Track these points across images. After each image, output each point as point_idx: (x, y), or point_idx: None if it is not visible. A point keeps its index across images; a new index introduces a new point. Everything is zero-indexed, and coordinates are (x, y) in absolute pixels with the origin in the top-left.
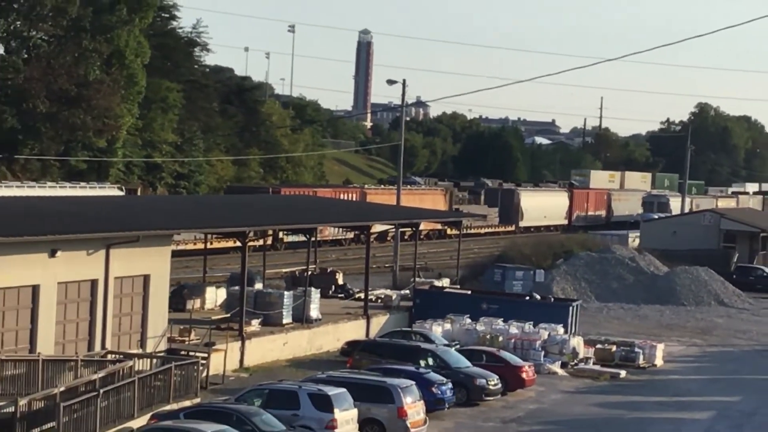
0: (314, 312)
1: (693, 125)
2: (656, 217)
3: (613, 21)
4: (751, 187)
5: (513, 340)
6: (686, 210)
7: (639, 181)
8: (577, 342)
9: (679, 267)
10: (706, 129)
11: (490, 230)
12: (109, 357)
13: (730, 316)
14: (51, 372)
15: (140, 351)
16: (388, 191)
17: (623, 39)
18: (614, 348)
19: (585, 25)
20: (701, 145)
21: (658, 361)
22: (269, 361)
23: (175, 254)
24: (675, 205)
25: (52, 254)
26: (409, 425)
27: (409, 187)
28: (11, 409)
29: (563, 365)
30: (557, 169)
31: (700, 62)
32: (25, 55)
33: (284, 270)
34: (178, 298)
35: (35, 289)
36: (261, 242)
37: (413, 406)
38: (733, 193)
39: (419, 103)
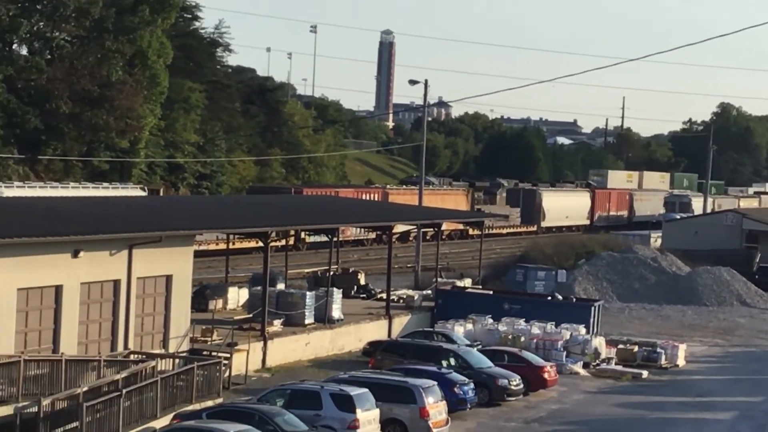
0: (336, 312)
1: (715, 125)
2: (678, 217)
3: (635, 21)
4: None
5: (535, 341)
6: (708, 210)
7: (658, 181)
8: (599, 342)
9: (701, 267)
10: (728, 129)
11: (511, 230)
12: (132, 357)
13: (752, 316)
14: (74, 372)
15: (163, 351)
16: (410, 191)
17: (645, 39)
18: (636, 348)
19: (607, 26)
20: (723, 145)
21: (680, 362)
22: (291, 361)
23: (198, 254)
24: (697, 205)
25: (75, 255)
26: (431, 425)
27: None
28: (35, 409)
29: (585, 365)
30: (579, 169)
31: (723, 62)
32: (49, 56)
33: (306, 270)
34: (200, 299)
35: (58, 290)
36: (283, 242)
37: (435, 407)
38: (755, 193)
39: (441, 104)
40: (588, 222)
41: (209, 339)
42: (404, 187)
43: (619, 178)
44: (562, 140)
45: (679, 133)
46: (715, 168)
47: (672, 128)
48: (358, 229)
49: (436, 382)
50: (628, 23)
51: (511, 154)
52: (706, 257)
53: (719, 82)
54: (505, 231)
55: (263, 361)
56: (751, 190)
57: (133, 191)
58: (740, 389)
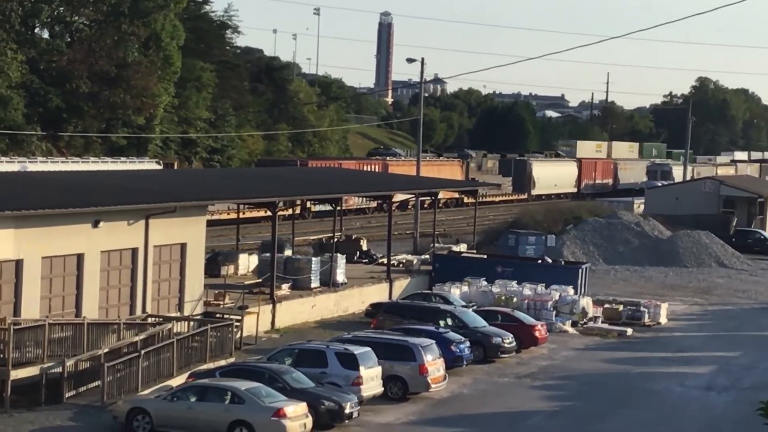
0: (340, 276)
1: (694, 98)
2: (660, 184)
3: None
4: (740, 155)
5: (526, 301)
6: (688, 178)
7: (627, 150)
8: (586, 302)
9: (681, 231)
10: (707, 102)
11: (504, 198)
12: (150, 320)
13: (729, 276)
14: (95, 335)
15: (178, 314)
16: (409, 162)
17: (628, 17)
18: (621, 308)
19: (592, 5)
20: (702, 117)
21: (663, 320)
22: (299, 322)
23: (210, 224)
24: (677, 173)
25: (96, 225)
26: (429, 381)
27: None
28: (59, 369)
29: (573, 324)
30: (566, 141)
31: (701, 39)
32: (68, 39)
33: (312, 237)
34: (213, 265)
35: (80, 258)
36: (290, 212)
37: (434, 364)
38: (732, 161)
39: (437, 80)
40: (575, 190)
41: (221, 302)
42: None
43: (588, 149)
44: (551, 113)
45: (660, 106)
46: (694, 138)
47: (653, 101)
48: (360, 198)
49: (434, 341)
50: (612, 2)
51: (502, 127)
52: (686, 222)
53: (698, 58)
54: (497, 199)
55: (272, 322)
56: (719, 159)
57: (149, 165)
58: (718, 345)
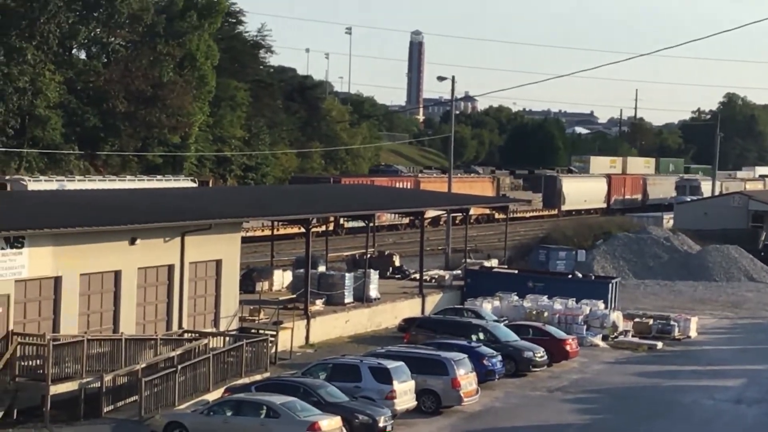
0: (373, 292)
1: (722, 114)
2: (688, 199)
3: (646, 18)
4: (761, 169)
5: (557, 315)
6: (716, 193)
7: (642, 165)
8: (616, 316)
9: (710, 245)
10: (734, 117)
11: (534, 214)
12: (186, 336)
13: (759, 290)
14: (133, 350)
15: (214, 330)
16: (440, 179)
17: (657, 35)
18: (651, 321)
19: (621, 23)
20: (729, 132)
21: (692, 333)
22: (332, 337)
23: (245, 240)
24: (706, 188)
25: (132, 242)
26: (462, 395)
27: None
28: (97, 384)
29: (604, 338)
30: (579, 157)
31: (729, 55)
32: (105, 60)
33: (345, 253)
34: (248, 281)
35: (117, 274)
36: (323, 228)
37: (466, 378)
38: (760, 176)
39: (467, 98)
40: (605, 205)
41: (257, 318)
42: (435, 175)
43: (601, 164)
44: (580, 130)
45: (688, 121)
46: (722, 154)
47: (682, 117)
48: (393, 214)
49: (466, 355)
50: (640, 20)
51: (532, 144)
52: (715, 236)
53: (726, 74)
54: (528, 215)
55: (307, 337)
56: (739, 174)
57: (185, 183)
58: (748, 358)
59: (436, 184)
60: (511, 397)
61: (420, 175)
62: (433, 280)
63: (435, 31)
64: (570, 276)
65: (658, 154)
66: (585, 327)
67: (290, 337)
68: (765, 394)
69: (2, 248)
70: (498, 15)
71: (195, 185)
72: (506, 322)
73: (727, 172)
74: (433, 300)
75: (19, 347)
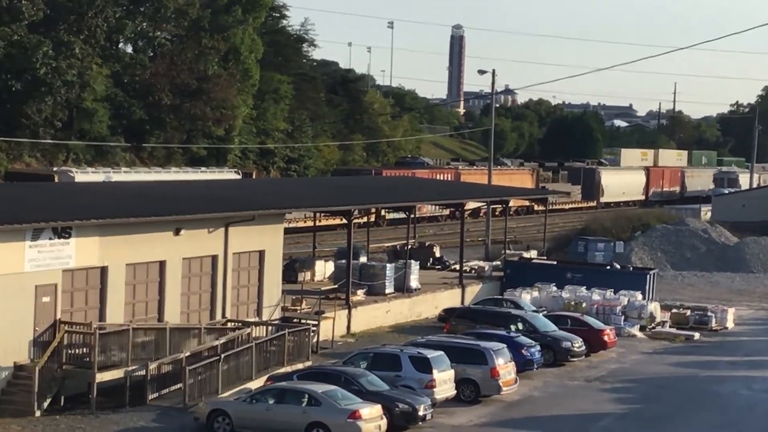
0: (414, 282)
1: (760, 107)
2: (726, 192)
3: (685, 12)
4: None
5: (595, 306)
6: (754, 185)
7: (674, 158)
8: (654, 307)
9: (748, 237)
10: None
11: (573, 206)
12: (229, 325)
13: None
14: (177, 339)
15: (257, 319)
16: (480, 171)
17: (696, 28)
18: (689, 312)
19: (660, 17)
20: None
21: (730, 324)
22: (373, 327)
23: (287, 231)
24: (743, 180)
25: (177, 233)
26: (501, 384)
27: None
28: (143, 372)
29: (642, 328)
30: (610, 149)
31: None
32: (151, 54)
33: (386, 244)
34: (290, 271)
35: (162, 265)
36: (365, 219)
37: (505, 367)
38: None
39: (507, 91)
40: (643, 197)
41: (299, 308)
42: (475, 167)
43: (633, 157)
44: (619, 123)
45: (726, 115)
46: (760, 147)
47: (720, 110)
48: (433, 206)
49: (505, 345)
50: (680, 14)
51: (572, 136)
52: (753, 228)
53: (764, 68)
54: (567, 207)
55: (348, 327)
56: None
57: (229, 174)
58: None
59: (476, 176)
60: (549, 387)
61: (447, 167)
62: (473, 271)
63: (475, 25)
64: (608, 267)
65: (696, 147)
66: (623, 318)
67: (332, 326)
68: None
69: (50, 238)
70: (537, 9)
71: (239, 177)
72: (545, 312)
73: (762, 164)
74: (473, 290)
75: (66, 336)
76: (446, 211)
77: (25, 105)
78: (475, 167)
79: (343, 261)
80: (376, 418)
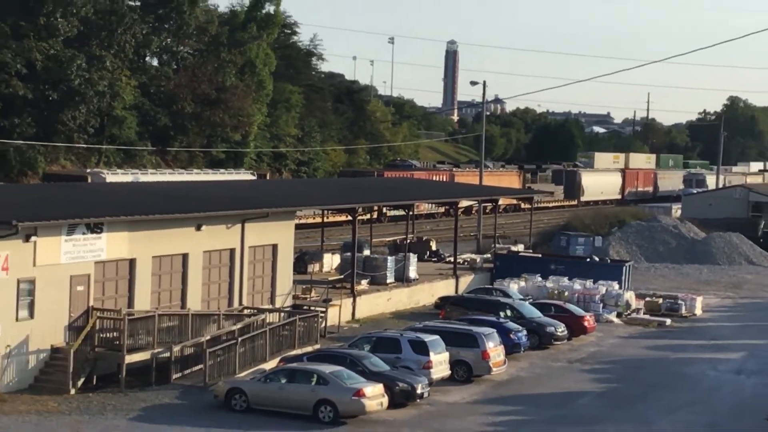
0: (412, 273)
1: (725, 115)
2: (695, 191)
3: (658, 28)
4: (756, 165)
5: (576, 295)
6: (720, 186)
7: (644, 161)
8: (629, 296)
9: (714, 233)
10: (737, 118)
11: (556, 204)
12: (245, 311)
13: (758, 273)
14: (198, 324)
15: (270, 306)
16: (472, 173)
17: (667, 43)
18: (661, 300)
19: (635, 33)
20: (732, 132)
21: (698, 311)
22: (376, 313)
23: (298, 227)
24: (710, 181)
25: (198, 228)
26: (491, 365)
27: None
28: (167, 354)
29: (618, 315)
30: (584, 153)
31: (732, 62)
32: (175, 66)
33: (387, 239)
34: (300, 263)
35: (185, 257)
36: (368, 216)
37: (495, 350)
38: (759, 170)
39: (497, 101)
40: (620, 197)
41: (308, 296)
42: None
43: (605, 160)
44: (598, 129)
45: (695, 122)
46: (726, 151)
47: (689, 118)
48: (430, 204)
49: (495, 330)
50: (652, 31)
51: (554, 142)
52: (719, 224)
53: (729, 79)
54: (551, 205)
55: (353, 313)
56: (735, 169)
57: (245, 176)
58: (748, 334)
59: (469, 177)
60: (534, 368)
61: (441, 169)
62: (466, 263)
63: (468, 41)
64: (588, 259)
65: (667, 151)
66: (601, 305)
67: (338, 313)
68: (763, 366)
69: (84, 233)
70: (525, 27)
71: (254, 178)
72: (531, 300)
73: (725, 167)
74: (466, 281)
75: (98, 321)
76: (442, 209)
77: (61, 113)
78: (460, 169)
79: (349, 254)
80: (378, 396)
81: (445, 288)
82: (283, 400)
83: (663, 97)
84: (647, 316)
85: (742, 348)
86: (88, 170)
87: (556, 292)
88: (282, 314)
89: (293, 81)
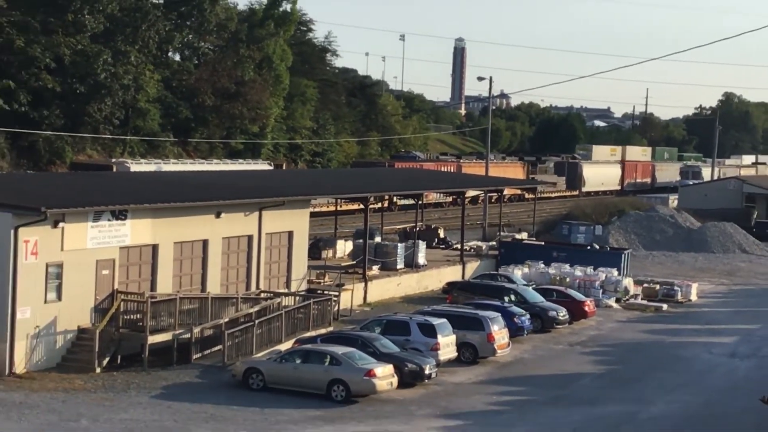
0: (421, 259)
1: (720, 110)
2: (691, 183)
3: (657, 27)
4: (747, 158)
5: (577, 281)
6: (715, 177)
7: (639, 153)
8: (628, 282)
9: (709, 222)
10: (731, 113)
11: (558, 195)
12: (262, 295)
13: (750, 261)
14: (217, 307)
15: (286, 290)
16: (478, 164)
17: (666, 41)
18: (658, 287)
19: (634, 31)
20: (727, 126)
21: (693, 297)
22: (386, 298)
23: (313, 215)
24: (706, 173)
25: (218, 215)
26: (496, 347)
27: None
28: (188, 335)
29: (617, 300)
30: (582, 145)
31: (727, 59)
32: (196, 61)
33: (398, 226)
34: (315, 249)
35: (205, 243)
36: (379, 205)
37: (499, 333)
38: (753, 163)
39: (503, 95)
40: (619, 187)
41: (322, 281)
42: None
43: (602, 152)
44: (598, 123)
45: (691, 116)
46: (720, 144)
47: (686, 113)
48: (438, 194)
49: (499, 314)
50: (651, 29)
51: (557, 135)
52: (714, 215)
53: (724, 76)
54: (553, 195)
55: (364, 297)
56: (728, 162)
57: (262, 166)
58: (741, 319)
59: (475, 168)
60: (537, 350)
61: (438, 160)
62: (472, 250)
63: (475, 39)
64: (588, 247)
65: (665, 144)
66: (601, 291)
67: (350, 297)
68: (755, 349)
69: (109, 220)
70: (530, 25)
71: (271, 168)
72: (534, 286)
73: (719, 159)
74: (472, 267)
75: (122, 303)
76: (449, 198)
77: (88, 105)
78: (464, 160)
79: (361, 241)
80: (389, 376)
81: (452, 274)
82: (298, 379)
83: (661, 92)
84: (645, 302)
85: (736, 332)
86: (114, 160)
87: (558, 278)
88: (297, 298)
89: (309, 76)
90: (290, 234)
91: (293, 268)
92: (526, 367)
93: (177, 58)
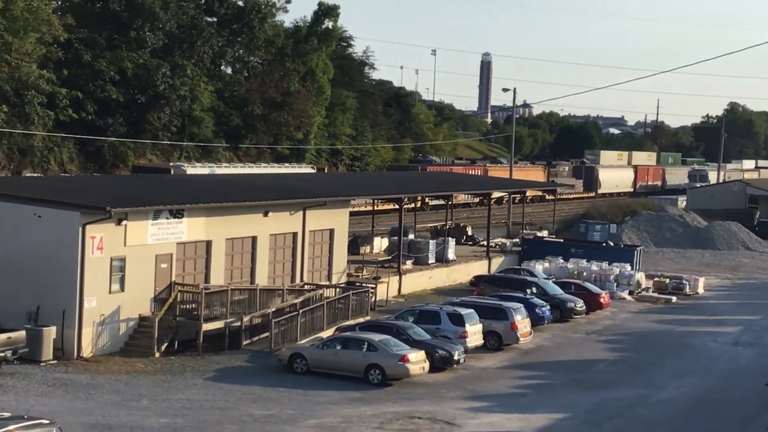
0: (451, 255)
1: (726, 119)
2: (698, 185)
3: (668, 41)
4: (748, 163)
5: (594, 275)
6: (721, 180)
7: (645, 158)
8: (640, 276)
9: (715, 221)
10: (736, 121)
11: (576, 196)
12: (306, 287)
13: (753, 257)
14: (265, 298)
15: (327, 283)
16: (503, 168)
17: (675, 55)
18: (668, 280)
19: (647, 45)
20: (732, 134)
21: (700, 290)
22: (419, 290)
23: (352, 214)
24: (712, 176)
25: (266, 214)
26: (519, 336)
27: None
28: (238, 323)
29: (630, 293)
30: (592, 151)
31: (732, 72)
32: (246, 74)
33: (429, 225)
34: (354, 245)
35: (254, 239)
36: (413, 205)
37: (522, 322)
38: (756, 167)
39: (525, 105)
40: (632, 189)
41: (360, 274)
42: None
43: (610, 157)
44: (613, 131)
45: (698, 124)
46: (726, 150)
47: (694, 121)
48: (467, 195)
49: (522, 305)
50: (663, 44)
51: (575, 141)
52: (719, 214)
53: (730, 87)
54: (572, 196)
55: (399, 289)
56: (729, 166)
57: (306, 169)
58: (744, 310)
59: (500, 172)
60: (556, 338)
61: (470, 164)
62: (497, 246)
63: (501, 53)
64: (604, 244)
65: (674, 151)
66: (615, 284)
67: (386, 289)
68: (757, 338)
69: (167, 218)
70: (551, 41)
71: (314, 171)
72: (553, 279)
73: (724, 164)
74: (497, 262)
75: (179, 294)
76: (477, 199)
77: (148, 114)
78: (490, 164)
79: (395, 237)
80: (421, 361)
81: (479, 268)
82: (338, 364)
83: (671, 102)
84: (656, 294)
85: (739, 323)
86: (171, 164)
87: (575, 272)
88: (337, 290)
89: (348, 87)
90: (331, 231)
91: (334, 262)
92: (546, 354)
93: (229, 71)
